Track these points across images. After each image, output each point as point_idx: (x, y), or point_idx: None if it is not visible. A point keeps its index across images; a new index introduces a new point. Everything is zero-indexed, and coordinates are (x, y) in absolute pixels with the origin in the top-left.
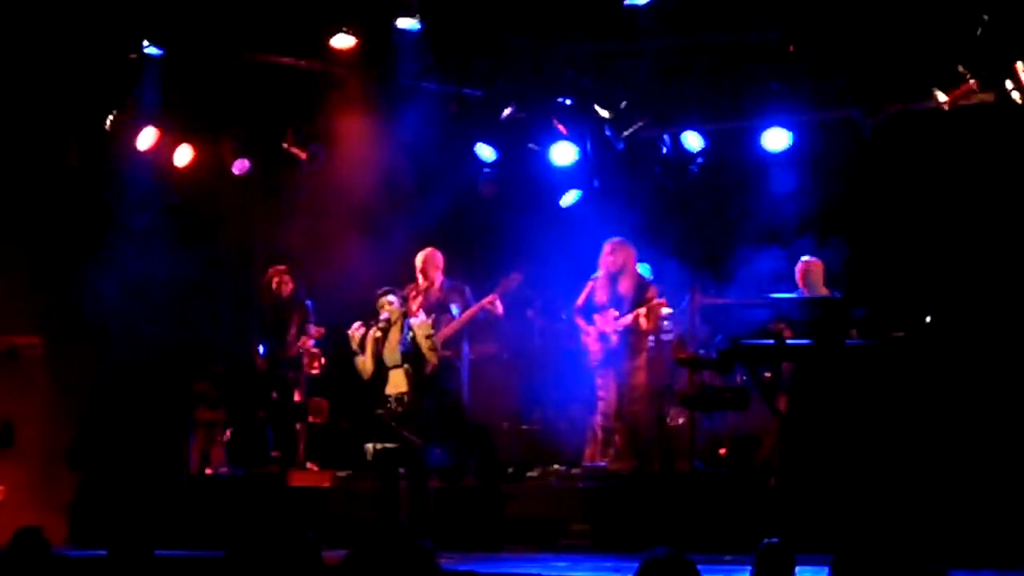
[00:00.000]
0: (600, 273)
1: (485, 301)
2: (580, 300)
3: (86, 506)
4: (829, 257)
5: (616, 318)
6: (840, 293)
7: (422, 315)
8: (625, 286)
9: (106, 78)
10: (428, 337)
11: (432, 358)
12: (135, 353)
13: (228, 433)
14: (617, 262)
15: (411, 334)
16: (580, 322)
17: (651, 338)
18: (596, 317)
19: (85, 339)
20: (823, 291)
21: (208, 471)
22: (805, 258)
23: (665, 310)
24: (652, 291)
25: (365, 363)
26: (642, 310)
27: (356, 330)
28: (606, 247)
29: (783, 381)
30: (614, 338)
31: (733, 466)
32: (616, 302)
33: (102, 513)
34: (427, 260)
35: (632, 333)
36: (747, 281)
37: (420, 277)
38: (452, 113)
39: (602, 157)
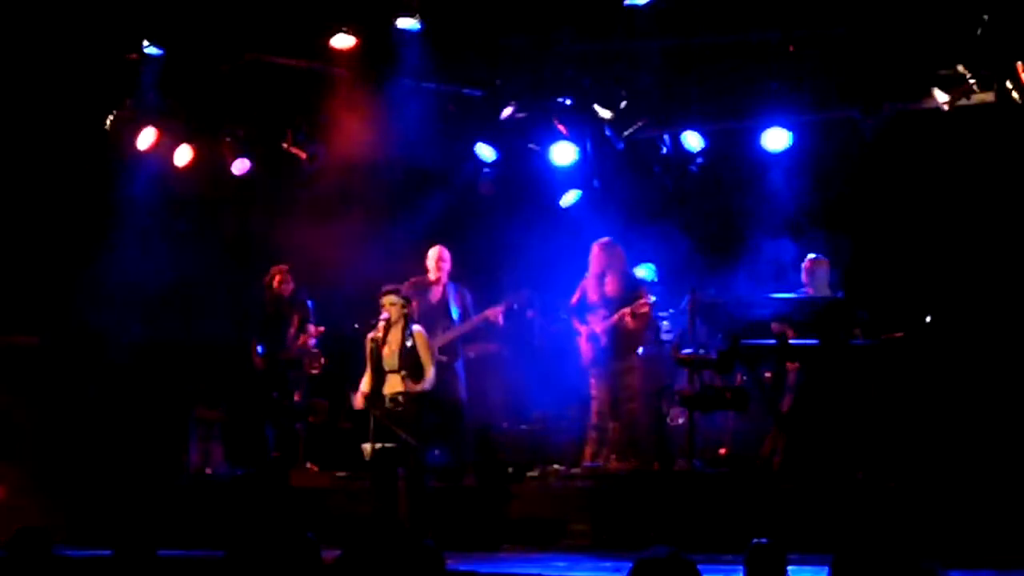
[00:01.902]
0: (589, 273)
1: (489, 313)
2: (574, 299)
3: (86, 506)
4: (829, 258)
5: (603, 318)
6: (842, 293)
7: (419, 327)
8: (612, 287)
9: (106, 78)
10: (426, 348)
11: (428, 372)
12: (135, 353)
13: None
14: (602, 263)
15: (411, 341)
16: (574, 321)
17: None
18: (589, 317)
19: (85, 339)
20: (828, 291)
21: (208, 471)
22: (811, 256)
23: (643, 309)
24: (642, 292)
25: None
26: (627, 310)
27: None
28: (593, 248)
29: (785, 381)
30: (603, 338)
31: (733, 466)
32: (605, 302)
33: (102, 513)
34: (437, 258)
35: (620, 333)
36: (747, 281)
37: (429, 272)
38: (452, 113)
39: (602, 157)
